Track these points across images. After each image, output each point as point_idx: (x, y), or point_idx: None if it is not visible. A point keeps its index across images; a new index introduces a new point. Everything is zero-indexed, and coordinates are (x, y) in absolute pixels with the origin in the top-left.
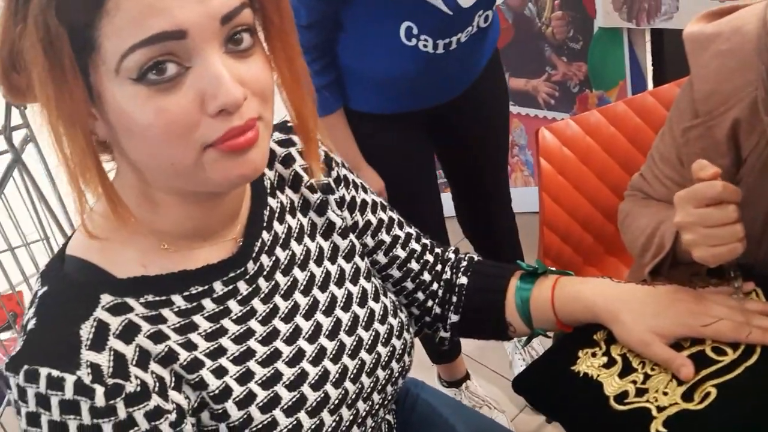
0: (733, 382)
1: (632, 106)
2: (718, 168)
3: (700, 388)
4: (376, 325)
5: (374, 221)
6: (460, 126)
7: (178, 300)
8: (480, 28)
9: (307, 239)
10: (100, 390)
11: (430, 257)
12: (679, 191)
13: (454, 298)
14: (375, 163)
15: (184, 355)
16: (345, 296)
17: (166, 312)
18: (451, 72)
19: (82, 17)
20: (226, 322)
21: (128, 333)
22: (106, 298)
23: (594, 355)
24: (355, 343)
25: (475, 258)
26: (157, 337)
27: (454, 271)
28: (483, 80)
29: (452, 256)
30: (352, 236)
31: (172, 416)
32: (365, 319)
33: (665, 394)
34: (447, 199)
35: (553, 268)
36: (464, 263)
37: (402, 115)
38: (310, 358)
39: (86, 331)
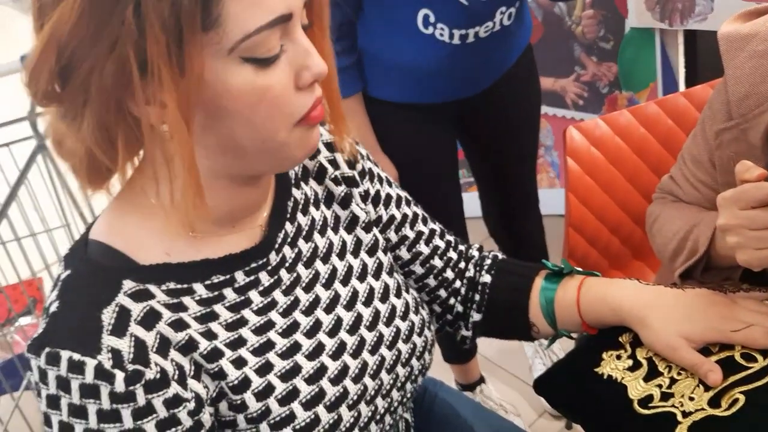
0: (762, 390)
1: (664, 107)
2: (764, 169)
3: (728, 394)
4: (398, 321)
5: (398, 216)
6: (486, 124)
7: (199, 288)
8: (504, 26)
9: (330, 232)
10: (120, 375)
11: (453, 254)
12: (723, 192)
13: (477, 297)
14: (389, 152)
15: (204, 344)
16: (367, 291)
17: (187, 300)
18: (473, 67)
19: None
20: (246, 313)
21: (149, 320)
22: (128, 284)
23: (619, 357)
24: (375, 338)
25: (500, 256)
26: (178, 325)
27: (478, 269)
28: (513, 78)
29: (476, 253)
30: (375, 230)
31: (191, 405)
32: (386, 315)
33: (691, 399)
34: (473, 198)
35: (579, 269)
36: (488, 261)
37: (421, 106)
38: (330, 353)
39: (108, 316)
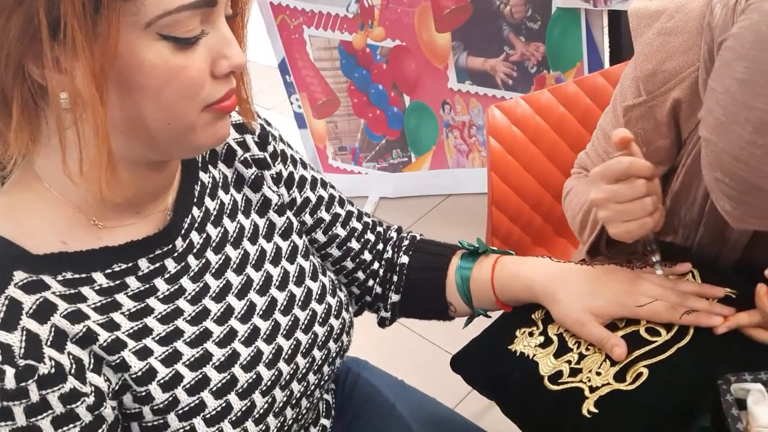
0: (665, 364)
1: (583, 87)
2: (629, 133)
3: (633, 368)
4: (314, 304)
5: (313, 198)
6: None
7: (99, 278)
8: None
9: (241, 216)
10: (10, 371)
11: (371, 236)
12: (593, 168)
13: (395, 278)
14: None
15: (104, 336)
16: (281, 275)
17: (86, 290)
18: None
19: None
20: (151, 301)
21: (43, 312)
22: (19, 275)
23: (531, 334)
24: (290, 323)
25: (417, 237)
26: (75, 317)
27: (396, 250)
28: None
29: (394, 235)
30: (289, 213)
31: (90, 399)
32: (302, 298)
33: (598, 374)
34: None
35: (494, 248)
36: (406, 242)
37: None
38: (242, 339)
39: None
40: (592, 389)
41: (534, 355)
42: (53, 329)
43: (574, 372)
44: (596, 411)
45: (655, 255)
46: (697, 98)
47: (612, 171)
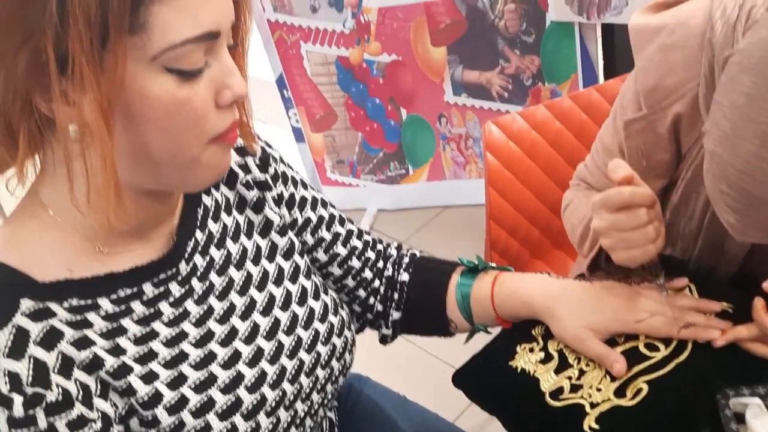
0: (664, 379)
1: (578, 102)
2: (631, 171)
3: (633, 384)
4: (316, 323)
5: (314, 218)
6: None
7: (105, 303)
8: None
9: (243, 237)
10: (18, 399)
11: (371, 254)
12: (594, 196)
13: (396, 295)
14: None
15: (110, 361)
16: (284, 295)
17: (92, 316)
18: None
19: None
20: (157, 325)
21: (50, 339)
22: (26, 303)
23: (531, 350)
24: (294, 342)
25: (418, 254)
26: (82, 343)
27: (396, 267)
28: None
29: (394, 252)
30: (290, 234)
31: (97, 425)
32: (305, 317)
33: (599, 390)
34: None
35: (493, 264)
36: (406, 260)
37: None
38: (247, 360)
39: (4, 338)
40: (593, 405)
41: (535, 371)
42: (60, 356)
43: (574, 388)
44: (597, 427)
45: (660, 278)
46: (697, 113)
47: (613, 201)
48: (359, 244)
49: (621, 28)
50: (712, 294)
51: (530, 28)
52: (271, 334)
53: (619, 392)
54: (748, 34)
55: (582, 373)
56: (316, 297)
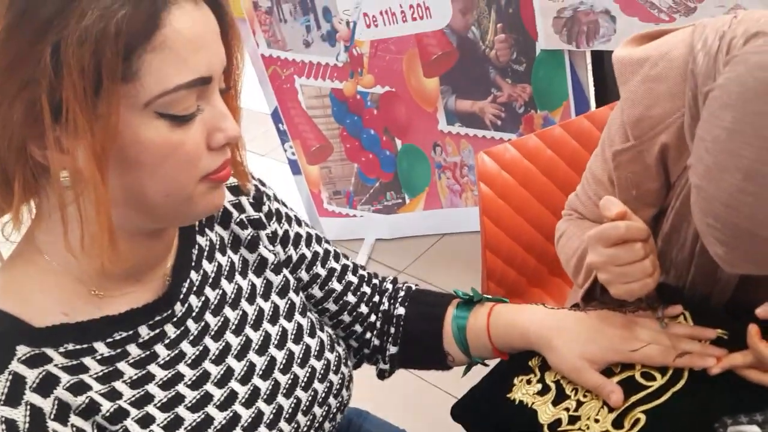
0: (662, 408)
1: (569, 130)
2: (623, 207)
3: (630, 414)
4: (312, 361)
5: (309, 255)
6: None
7: (100, 347)
8: None
9: (238, 277)
10: None
11: (367, 289)
12: (589, 231)
13: (393, 330)
14: None
15: (106, 406)
16: (279, 333)
17: (87, 360)
18: None
19: (131, 45)
20: (152, 368)
21: (46, 385)
22: (22, 350)
23: (529, 382)
24: (290, 381)
25: (413, 287)
26: (78, 388)
27: (392, 301)
28: None
29: (390, 286)
30: (285, 271)
31: None
32: (301, 355)
33: (596, 421)
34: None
35: (489, 296)
36: (402, 293)
37: None
38: (243, 400)
39: (0, 385)
40: None
41: (533, 403)
42: (56, 402)
43: (572, 420)
44: None
45: (658, 311)
46: (684, 143)
47: (609, 236)
48: (355, 279)
49: (610, 55)
50: (706, 321)
51: (521, 57)
52: (267, 374)
53: (617, 423)
54: (727, 68)
55: (580, 404)
56: (312, 334)
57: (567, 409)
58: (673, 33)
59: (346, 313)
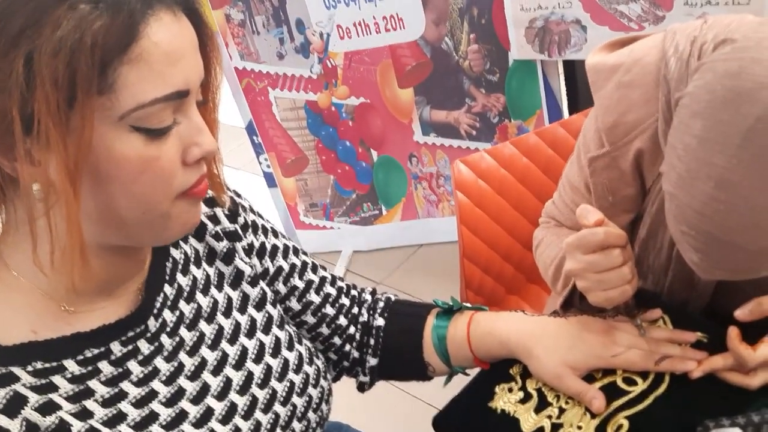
0: (644, 413)
1: (544, 138)
2: (601, 215)
3: (613, 420)
4: (291, 375)
5: (286, 267)
6: None
7: (71, 365)
8: None
9: (213, 290)
10: None
11: (345, 300)
12: (567, 239)
13: (372, 341)
14: None
15: (77, 426)
16: (257, 347)
17: (57, 379)
18: None
19: (107, 57)
20: (125, 385)
21: (13, 406)
22: None
23: (510, 390)
24: (268, 396)
25: (392, 298)
26: (47, 409)
27: (371, 312)
28: None
29: (369, 297)
30: (262, 284)
31: None
32: (279, 369)
33: (579, 428)
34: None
35: (468, 304)
36: (381, 304)
37: None
38: (219, 417)
39: None
40: None
41: (515, 411)
42: (24, 423)
43: (555, 427)
44: None
45: (637, 318)
46: (658, 148)
47: (588, 242)
48: (333, 291)
49: (582, 64)
50: (685, 325)
51: (494, 67)
52: (244, 389)
53: (600, 429)
54: (696, 76)
55: (562, 411)
56: (290, 347)
57: (549, 417)
58: (645, 39)
59: (324, 325)
